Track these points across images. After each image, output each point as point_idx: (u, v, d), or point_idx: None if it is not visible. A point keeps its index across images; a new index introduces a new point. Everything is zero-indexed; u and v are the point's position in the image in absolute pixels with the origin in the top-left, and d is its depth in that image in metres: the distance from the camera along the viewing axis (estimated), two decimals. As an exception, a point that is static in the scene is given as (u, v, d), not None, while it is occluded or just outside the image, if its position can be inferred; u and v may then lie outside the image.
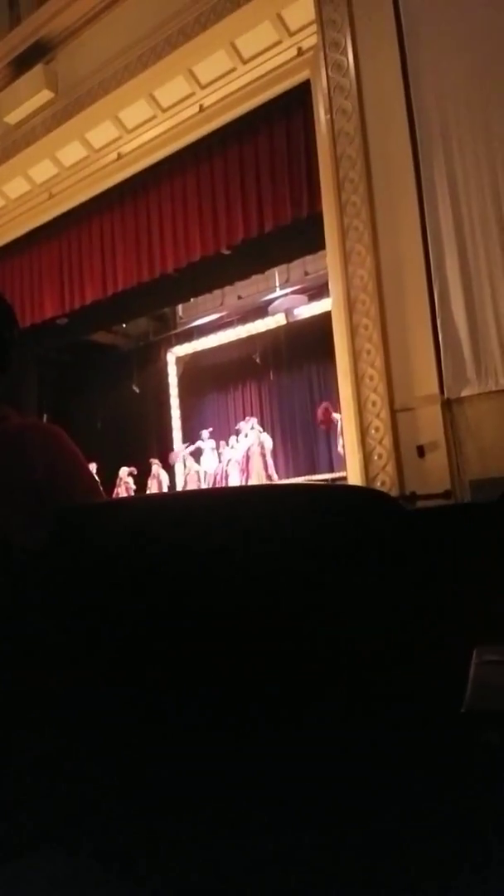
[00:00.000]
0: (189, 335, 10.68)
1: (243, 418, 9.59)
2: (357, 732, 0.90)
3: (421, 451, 5.16)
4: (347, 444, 5.79)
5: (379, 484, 5.28)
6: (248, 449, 9.02)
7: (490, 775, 0.87)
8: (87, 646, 0.85)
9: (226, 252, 7.55)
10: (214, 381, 10.63)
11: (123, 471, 9.81)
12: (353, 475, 5.53)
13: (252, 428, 9.09)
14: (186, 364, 10.85)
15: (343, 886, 0.83)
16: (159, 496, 5.10)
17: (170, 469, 10.10)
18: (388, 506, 1.08)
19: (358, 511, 1.04)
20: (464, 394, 5.05)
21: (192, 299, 9.79)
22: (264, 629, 0.88)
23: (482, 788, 0.89)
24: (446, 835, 0.84)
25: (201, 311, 10.47)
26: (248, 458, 8.96)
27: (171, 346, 10.81)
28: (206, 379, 10.66)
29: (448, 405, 5.12)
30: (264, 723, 0.84)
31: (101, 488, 1.25)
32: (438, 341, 5.14)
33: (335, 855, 0.84)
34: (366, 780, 0.86)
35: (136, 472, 9.84)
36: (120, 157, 7.81)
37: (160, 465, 9.99)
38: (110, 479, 9.56)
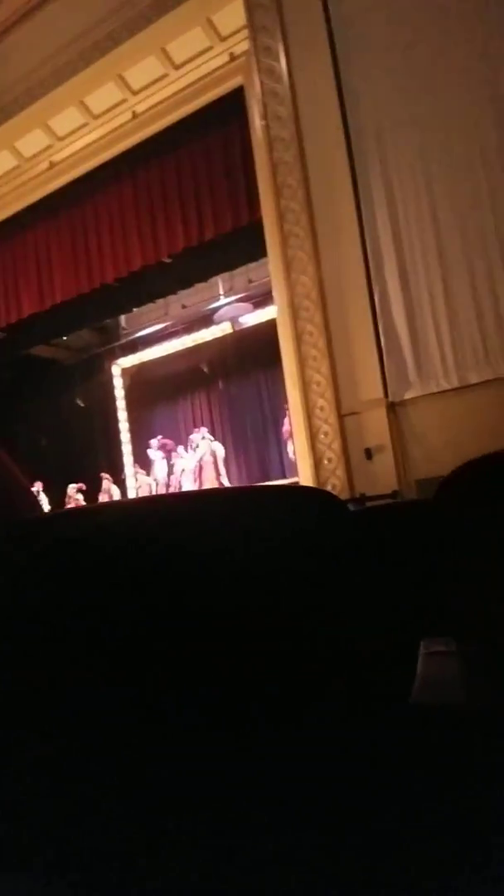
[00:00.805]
0: (134, 346, 10.64)
1: (194, 428, 9.61)
2: (296, 725, 0.93)
3: (369, 453, 5.29)
4: (298, 449, 5.89)
5: (330, 487, 5.38)
6: (201, 458, 9.06)
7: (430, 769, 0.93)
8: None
9: (167, 261, 7.57)
10: (163, 393, 10.61)
11: (72, 487, 9.71)
12: (305, 480, 5.63)
13: (203, 437, 9.13)
14: (133, 376, 10.80)
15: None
16: (116, 502, 5.06)
17: (121, 483, 10.04)
18: (333, 504, 1.12)
19: (303, 510, 1.08)
20: (407, 396, 5.20)
21: (134, 310, 9.78)
22: (210, 629, 0.91)
23: (479, 785, 0.94)
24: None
25: (145, 321, 10.45)
26: (200, 467, 9.00)
27: (116, 357, 10.74)
28: (155, 390, 10.63)
29: (392, 408, 5.27)
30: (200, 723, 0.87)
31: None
32: (381, 346, 5.28)
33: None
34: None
35: (84, 489, 9.75)
36: (52, 165, 7.79)
37: (111, 479, 9.92)
38: (58, 496, 9.45)
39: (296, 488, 1.22)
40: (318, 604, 1.00)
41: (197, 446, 9.16)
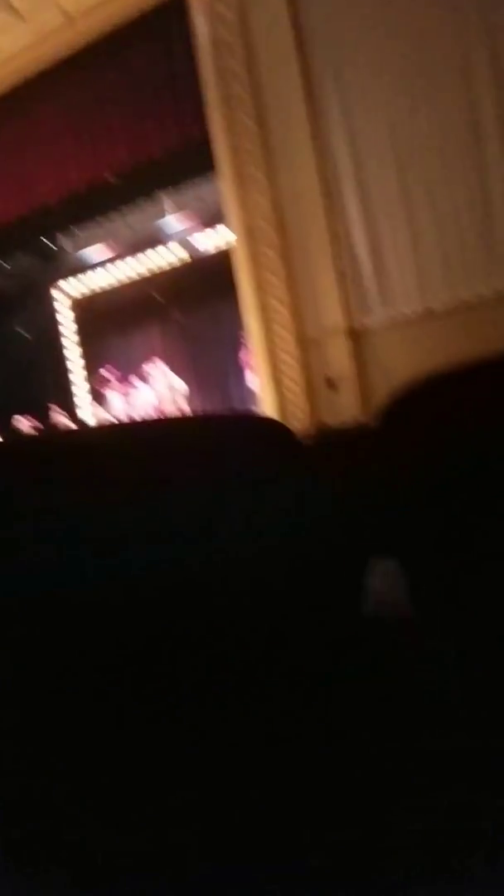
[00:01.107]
0: (79, 270, 10.39)
1: (150, 361, 9.54)
2: (266, 649, 1.02)
3: (331, 383, 5.36)
4: (259, 380, 5.92)
5: (292, 418, 5.47)
6: (158, 393, 9.05)
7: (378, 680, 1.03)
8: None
9: (111, 180, 7.36)
10: (115, 323, 10.45)
11: (20, 420, 9.57)
12: (267, 411, 5.69)
13: (159, 371, 9.09)
14: (82, 304, 10.59)
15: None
16: (57, 433, 5.01)
17: (74, 417, 9.99)
18: (283, 431, 1.20)
19: (257, 437, 1.16)
20: (368, 323, 5.26)
21: (78, 232, 9.52)
22: (162, 559, 0.97)
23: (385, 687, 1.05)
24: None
25: (91, 243, 10.18)
26: (159, 402, 9.01)
27: (61, 284, 10.50)
28: (105, 320, 10.46)
29: (355, 336, 5.32)
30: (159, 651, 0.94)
31: None
32: (342, 271, 5.28)
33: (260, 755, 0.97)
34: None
35: (34, 422, 9.63)
36: (-18, 75, 7.40)
37: (64, 413, 9.85)
38: (4, 430, 9.37)
39: (247, 416, 1.29)
40: (269, 526, 1.09)
41: (153, 380, 9.14)
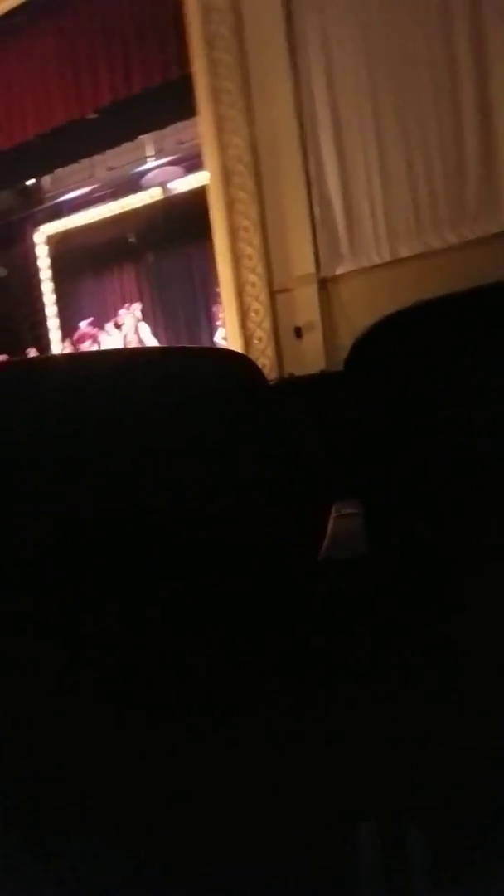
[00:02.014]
0: (58, 211, 10.01)
1: (123, 304, 9.27)
2: (231, 587, 0.96)
3: (298, 332, 5.27)
4: (228, 327, 5.81)
5: (259, 366, 5.37)
6: (125, 338, 8.80)
7: (335, 621, 0.98)
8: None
9: (92, 116, 7.05)
10: (90, 264, 10.12)
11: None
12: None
13: (130, 315, 8.84)
14: (58, 244, 10.23)
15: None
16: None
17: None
18: (253, 369, 1.12)
19: (225, 371, 1.07)
20: (338, 271, 5.14)
21: (57, 171, 9.16)
22: (128, 492, 0.90)
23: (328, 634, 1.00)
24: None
25: (69, 183, 9.80)
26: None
27: (39, 223, 10.12)
28: (81, 261, 10.12)
29: (324, 284, 5.20)
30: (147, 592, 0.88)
31: None
32: (314, 218, 5.15)
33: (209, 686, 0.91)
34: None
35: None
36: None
37: (38, 354, 9.59)
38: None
39: (219, 350, 1.20)
40: (233, 464, 1.01)
41: (123, 324, 8.88)
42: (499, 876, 0.85)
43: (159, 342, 9.22)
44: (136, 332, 8.84)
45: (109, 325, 9.19)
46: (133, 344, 8.76)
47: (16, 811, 0.78)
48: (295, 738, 0.91)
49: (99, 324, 9.43)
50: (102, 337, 9.27)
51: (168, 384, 1.01)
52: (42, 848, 0.79)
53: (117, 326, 9.13)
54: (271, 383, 1.21)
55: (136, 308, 9.00)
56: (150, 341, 8.91)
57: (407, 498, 1.03)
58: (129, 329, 8.82)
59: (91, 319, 9.47)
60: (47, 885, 0.78)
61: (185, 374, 1.05)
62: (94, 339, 9.32)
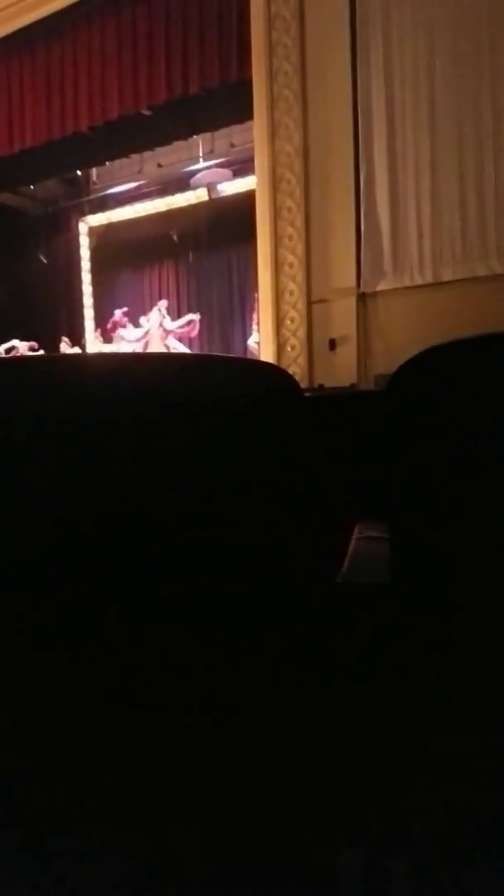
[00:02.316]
0: (103, 203, 10.08)
1: (159, 299, 9.30)
2: (250, 605, 0.95)
3: (332, 344, 5.25)
4: (262, 333, 5.80)
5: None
6: (147, 332, 8.80)
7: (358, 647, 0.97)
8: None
9: (146, 113, 7.09)
10: (129, 258, 10.18)
11: (21, 345, 9.38)
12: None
13: (158, 310, 8.84)
14: (100, 236, 10.30)
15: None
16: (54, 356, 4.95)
17: (81, 349, 9.79)
18: (290, 382, 1.11)
19: (260, 383, 1.06)
20: (379, 288, 5.11)
21: (107, 163, 9.21)
22: (155, 500, 0.90)
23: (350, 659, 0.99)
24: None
25: (117, 177, 9.87)
26: (146, 342, 8.76)
27: (84, 214, 10.20)
28: (121, 254, 10.18)
29: (362, 299, 5.18)
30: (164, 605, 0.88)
31: None
32: (360, 232, 5.12)
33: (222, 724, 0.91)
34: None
35: (36, 348, 9.45)
36: (32, -8, 7.05)
37: (69, 343, 9.65)
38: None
39: (256, 362, 1.19)
40: (262, 475, 1.00)
41: (149, 319, 8.88)
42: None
43: (192, 341, 9.25)
44: (162, 326, 8.81)
45: (143, 319, 9.21)
46: (156, 338, 8.74)
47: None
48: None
49: (133, 316, 9.46)
50: (128, 328, 9.25)
51: (203, 392, 1.00)
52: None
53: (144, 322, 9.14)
54: (307, 396, 1.20)
55: (163, 304, 9.00)
56: (174, 338, 8.89)
57: (440, 530, 1.02)
58: (153, 324, 8.82)
59: (125, 309, 9.51)
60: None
61: (222, 384, 1.04)
62: (122, 326, 9.33)
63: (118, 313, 9.39)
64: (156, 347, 8.64)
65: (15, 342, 9.32)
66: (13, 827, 0.77)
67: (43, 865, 0.78)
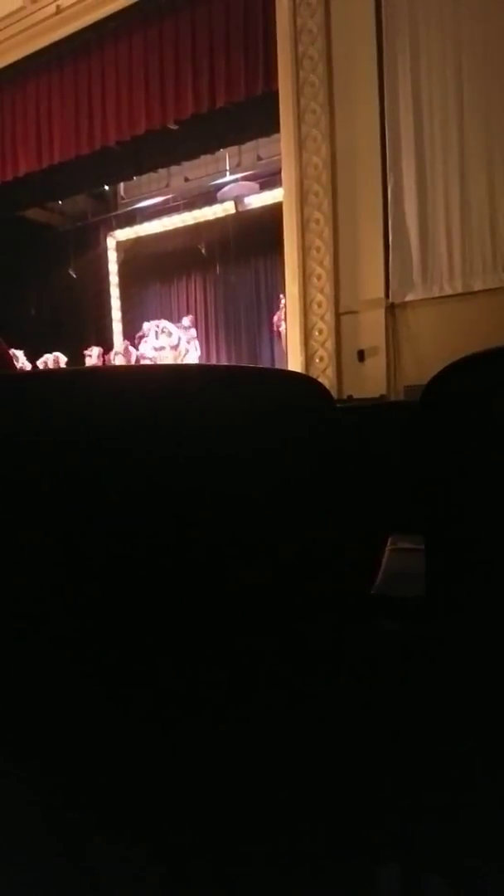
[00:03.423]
0: (131, 218, 10.22)
1: (186, 312, 9.38)
2: (277, 618, 0.95)
3: (361, 355, 5.24)
4: (290, 345, 5.81)
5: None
6: (176, 347, 8.85)
7: (391, 661, 0.96)
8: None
9: (173, 127, 7.17)
10: (157, 271, 10.30)
11: (48, 358, 9.47)
12: (294, 376, 5.58)
13: (184, 326, 8.91)
14: (128, 250, 10.43)
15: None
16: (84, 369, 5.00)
17: (108, 362, 9.89)
18: (324, 394, 1.11)
19: (295, 396, 1.06)
20: (408, 299, 5.09)
21: (135, 178, 9.33)
22: (187, 509, 0.90)
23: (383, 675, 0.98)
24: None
25: (145, 192, 10.00)
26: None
27: (112, 228, 10.34)
28: (149, 268, 10.30)
29: (391, 310, 5.16)
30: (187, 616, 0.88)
31: None
32: (388, 242, 5.12)
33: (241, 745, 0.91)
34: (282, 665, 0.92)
35: (64, 361, 9.54)
36: (59, 10, 7.18)
37: (93, 356, 9.75)
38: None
39: (288, 372, 1.20)
40: (296, 485, 1.00)
41: (170, 333, 8.92)
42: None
43: (219, 354, 9.29)
44: (184, 339, 8.86)
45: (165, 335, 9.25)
46: (181, 350, 8.79)
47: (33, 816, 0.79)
48: (328, 752, 0.90)
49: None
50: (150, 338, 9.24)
51: (236, 403, 1.00)
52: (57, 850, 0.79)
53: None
54: (339, 406, 1.20)
55: (186, 320, 9.06)
56: (195, 351, 8.93)
57: (477, 544, 1.00)
58: (175, 339, 8.86)
59: (155, 322, 9.55)
60: (48, 884, 0.79)
61: (255, 394, 1.04)
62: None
63: (146, 325, 9.44)
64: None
65: (52, 356, 9.43)
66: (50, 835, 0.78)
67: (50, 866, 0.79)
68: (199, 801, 0.84)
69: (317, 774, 0.90)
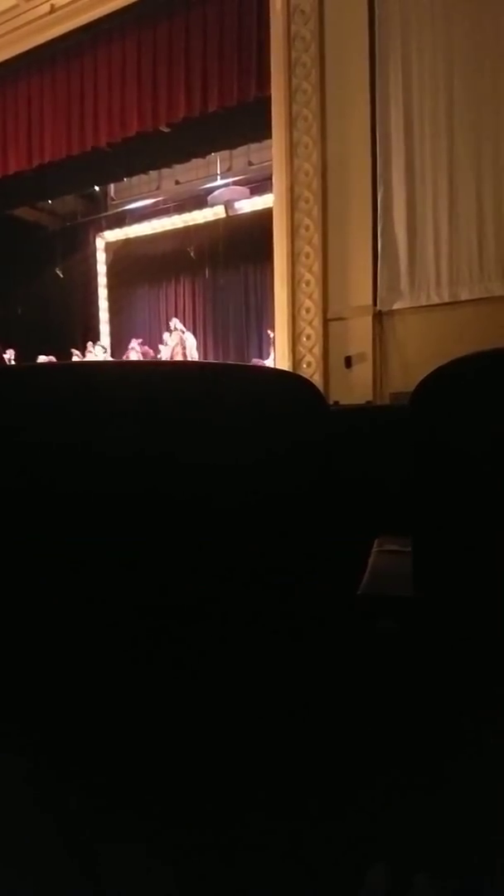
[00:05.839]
0: (121, 219, 10.21)
1: (174, 315, 9.38)
2: (265, 619, 0.95)
3: (348, 361, 5.27)
4: (278, 350, 5.83)
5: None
6: (173, 349, 8.89)
7: (384, 661, 0.97)
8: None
9: (165, 130, 7.18)
10: (146, 273, 10.29)
11: (42, 360, 9.47)
12: (280, 382, 5.60)
13: (175, 329, 8.93)
14: (117, 251, 10.42)
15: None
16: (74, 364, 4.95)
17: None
18: (316, 394, 1.12)
19: (288, 393, 1.07)
20: (396, 307, 5.13)
21: (125, 179, 9.35)
22: (178, 509, 0.90)
23: (377, 674, 0.99)
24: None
25: (135, 193, 10.00)
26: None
27: (101, 229, 10.33)
28: (138, 269, 10.30)
29: (379, 317, 5.20)
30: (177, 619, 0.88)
31: None
32: (376, 250, 5.15)
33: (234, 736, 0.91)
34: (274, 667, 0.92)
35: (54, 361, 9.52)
36: (53, 9, 7.17)
37: (82, 356, 9.72)
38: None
39: (280, 371, 1.20)
40: (287, 487, 1.01)
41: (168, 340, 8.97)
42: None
43: (206, 358, 9.29)
44: (180, 342, 8.89)
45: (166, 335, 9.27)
46: (177, 352, 8.81)
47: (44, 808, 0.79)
48: (313, 751, 0.90)
49: (150, 341, 9.50)
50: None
51: (227, 400, 1.00)
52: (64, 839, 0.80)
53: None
54: (332, 407, 1.21)
55: (177, 322, 9.08)
56: (191, 346, 8.95)
57: (466, 546, 1.01)
58: (174, 342, 8.89)
59: (140, 340, 9.51)
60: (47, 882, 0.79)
61: (246, 391, 1.05)
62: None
63: (134, 343, 9.42)
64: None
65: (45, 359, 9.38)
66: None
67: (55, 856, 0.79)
68: (193, 799, 0.85)
69: (306, 773, 0.90)
